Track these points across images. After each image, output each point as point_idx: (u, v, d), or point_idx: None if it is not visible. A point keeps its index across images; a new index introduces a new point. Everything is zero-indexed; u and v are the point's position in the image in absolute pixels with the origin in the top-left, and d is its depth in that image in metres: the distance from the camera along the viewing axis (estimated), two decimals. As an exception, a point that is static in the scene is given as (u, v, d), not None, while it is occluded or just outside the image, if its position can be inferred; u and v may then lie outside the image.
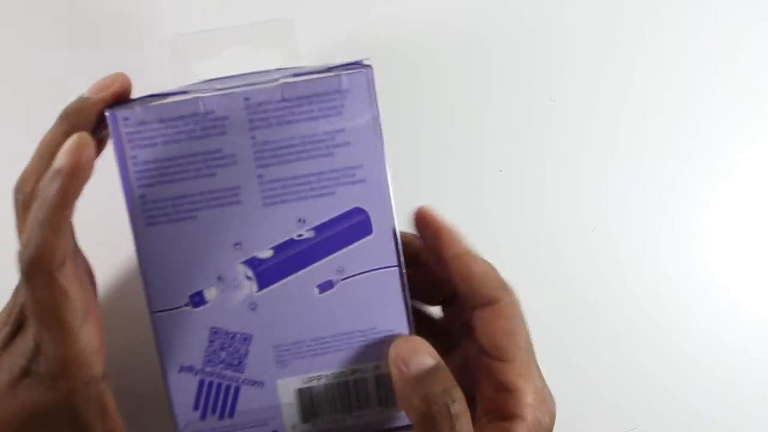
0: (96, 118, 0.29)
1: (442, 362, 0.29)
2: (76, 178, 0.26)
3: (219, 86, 0.29)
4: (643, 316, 0.38)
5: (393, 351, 0.30)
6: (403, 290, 0.31)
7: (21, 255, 0.27)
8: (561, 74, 0.37)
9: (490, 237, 0.35)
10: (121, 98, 0.30)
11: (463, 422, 0.28)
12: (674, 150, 0.38)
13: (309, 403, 0.32)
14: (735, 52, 0.37)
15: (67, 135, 0.28)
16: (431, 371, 0.29)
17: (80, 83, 0.31)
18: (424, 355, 0.29)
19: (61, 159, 0.27)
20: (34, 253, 0.26)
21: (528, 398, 0.29)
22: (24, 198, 0.29)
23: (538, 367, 0.30)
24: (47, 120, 0.30)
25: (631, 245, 0.38)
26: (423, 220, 0.31)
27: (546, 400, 0.30)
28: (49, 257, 0.26)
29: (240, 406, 0.31)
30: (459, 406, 0.28)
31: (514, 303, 0.30)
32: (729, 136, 0.38)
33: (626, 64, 0.37)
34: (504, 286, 0.30)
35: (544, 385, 0.30)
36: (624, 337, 0.38)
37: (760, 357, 0.39)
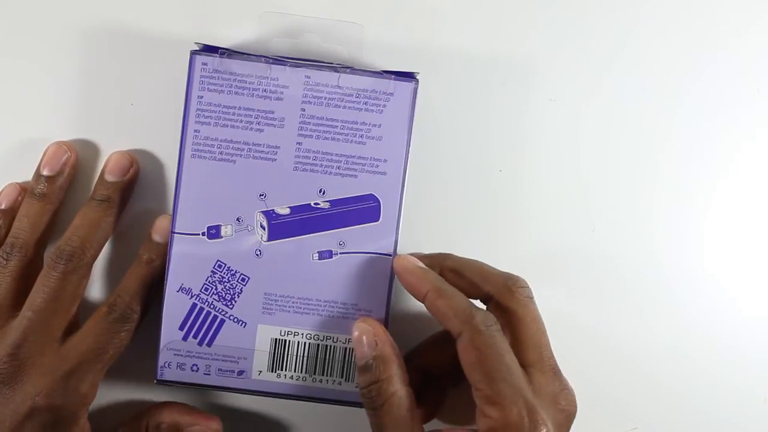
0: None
1: (382, 353, 0.32)
2: None
3: (288, 60, 0.34)
4: (643, 316, 0.38)
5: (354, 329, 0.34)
6: (391, 279, 0.35)
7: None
8: (561, 74, 0.37)
9: (489, 237, 0.38)
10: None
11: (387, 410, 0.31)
12: (674, 150, 0.38)
13: (280, 354, 0.35)
14: (735, 52, 0.38)
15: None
16: (368, 363, 0.32)
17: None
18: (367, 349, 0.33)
19: None
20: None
21: (489, 423, 0.30)
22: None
23: (517, 390, 0.30)
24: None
25: (631, 245, 0.38)
26: (397, 272, 0.34)
27: (522, 424, 0.30)
28: None
29: (220, 338, 0.35)
30: (380, 397, 0.32)
31: (478, 334, 0.31)
32: (729, 136, 0.38)
33: (626, 64, 0.38)
34: (467, 319, 0.31)
35: (523, 409, 0.30)
36: (624, 337, 0.38)
37: (760, 357, 0.38)
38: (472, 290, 0.34)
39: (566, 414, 0.32)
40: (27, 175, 0.36)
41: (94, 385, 0.34)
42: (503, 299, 0.33)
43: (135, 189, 0.37)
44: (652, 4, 0.38)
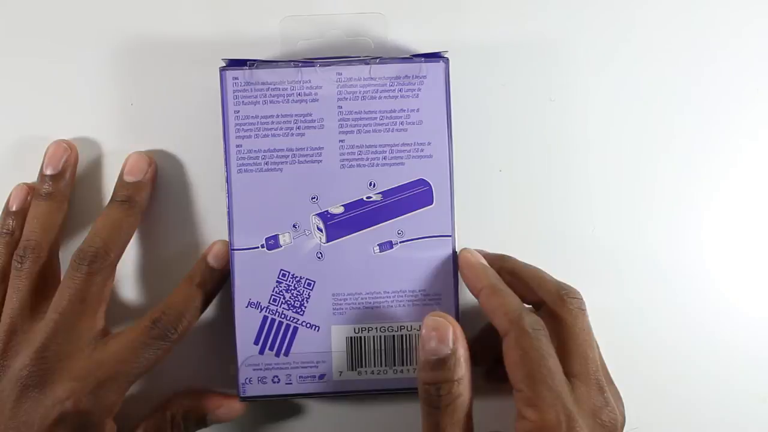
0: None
1: (458, 352, 0.31)
2: None
3: (317, 61, 0.34)
4: (643, 316, 0.38)
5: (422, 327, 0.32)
6: (454, 259, 0.35)
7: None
8: (561, 74, 0.38)
9: (489, 237, 0.37)
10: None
11: (453, 410, 0.31)
12: (674, 150, 0.38)
13: (357, 351, 0.35)
14: (735, 51, 0.38)
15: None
16: (442, 360, 0.31)
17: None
18: (439, 344, 0.31)
19: None
20: None
21: (526, 425, 0.30)
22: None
23: (558, 395, 0.30)
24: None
25: (631, 245, 0.38)
26: (460, 264, 0.35)
27: (560, 429, 0.29)
28: None
29: (296, 346, 0.35)
30: (448, 397, 0.31)
31: (524, 335, 0.31)
32: (728, 136, 0.38)
33: (626, 64, 0.38)
34: (516, 319, 0.31)
35: (562, 414, 0.30)
36: (624, 337, 0.38)
37: (760, 357, 0.39)
38: (526, 294, 0.34)
39: (606, 430, 0.31)
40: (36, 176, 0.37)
41: (122, 395, 0.34)
42: (555, 307, 0.33)
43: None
44: (651, 4, 0.38)
